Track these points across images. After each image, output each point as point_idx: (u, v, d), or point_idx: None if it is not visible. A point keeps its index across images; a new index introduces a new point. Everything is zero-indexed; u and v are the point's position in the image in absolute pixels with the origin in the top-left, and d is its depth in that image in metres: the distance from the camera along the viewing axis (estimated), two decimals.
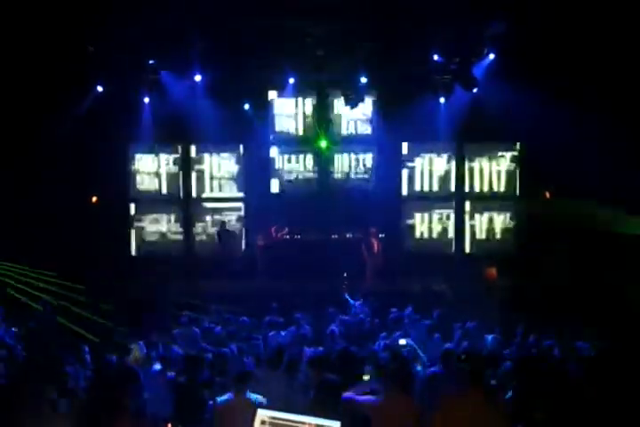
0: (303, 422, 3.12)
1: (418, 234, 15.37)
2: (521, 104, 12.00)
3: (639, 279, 10.83)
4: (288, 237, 14.61)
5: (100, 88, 13.43)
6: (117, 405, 5.38)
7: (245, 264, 14.34)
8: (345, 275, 13.58)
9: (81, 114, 13.45)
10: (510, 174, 15.07)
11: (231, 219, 15.45)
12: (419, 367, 6.72)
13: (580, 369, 6.17)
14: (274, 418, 3.18)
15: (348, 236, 14.65)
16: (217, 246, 14.83)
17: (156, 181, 15.52)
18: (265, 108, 15.09)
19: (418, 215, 15.35)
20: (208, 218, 15.51)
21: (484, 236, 15.20)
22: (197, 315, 10.03)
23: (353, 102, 13.91)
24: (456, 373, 5.10)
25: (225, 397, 5.16)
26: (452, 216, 15.32)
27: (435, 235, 15.37)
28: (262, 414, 3.21)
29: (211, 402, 5.24)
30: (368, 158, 15.40)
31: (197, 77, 13.54)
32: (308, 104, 15.26)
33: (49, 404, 5.45)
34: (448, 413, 4.46)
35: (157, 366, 6.73)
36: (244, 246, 15.39)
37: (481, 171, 15.15)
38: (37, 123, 12.83)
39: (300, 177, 15.45)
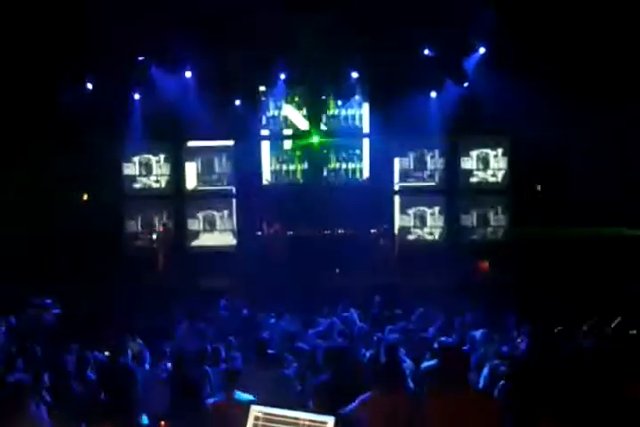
0: (297, 418, 3.10)
1: (410, 228, 15.37)
2: (512, 98, 11.97)
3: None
4: (280, 232, 14.56)
5: (89, 85, 13.36)
6: (112, 404, 5.39)
7: (237, 259, 14.35)
8: (337, 271, 13.64)
9: (71, 111, 13.37)
10: (502, 168, 15.07)
11: (223, 214, 15.44)
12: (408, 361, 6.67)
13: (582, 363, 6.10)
14: (267, 414, 3.17)
15: (340, 231, 14.67)
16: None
17: (148, 178, 15.48)
18: (256, 103, 15.07)
19: (410, 209, 15.35)
20: (200, 213, 15.49)
21: (476, 229, 15.20)
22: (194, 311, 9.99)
23: (344, 97, 13.89)
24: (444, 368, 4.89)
25: (216, 398, 5.15)
26: (445, 210, 15.31)
27: (427, 229, 15.36)
28: (256, 410, 3.20)
29: (209, 400, 5.21)
30: (359, 153, 15.40)
31: (188, 73, 13.49)
32: (299, 99, 15.23)
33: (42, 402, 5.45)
34: (434, 409, 4.33)
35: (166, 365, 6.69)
36: (235, 241, 15.35)
37: (472, 165, 15.14)
38: (26, 121, 12.73)
39: (292, 172, 15.44)
